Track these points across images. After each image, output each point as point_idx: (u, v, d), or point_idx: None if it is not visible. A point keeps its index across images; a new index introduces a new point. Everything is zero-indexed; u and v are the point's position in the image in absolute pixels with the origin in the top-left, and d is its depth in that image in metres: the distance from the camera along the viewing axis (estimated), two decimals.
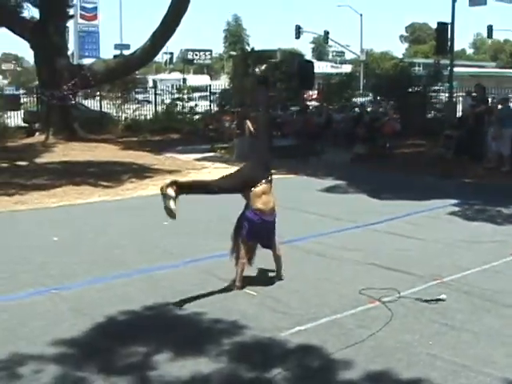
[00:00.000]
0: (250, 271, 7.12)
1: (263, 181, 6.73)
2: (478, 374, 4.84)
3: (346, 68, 63.45)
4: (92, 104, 28.83)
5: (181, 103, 27.46)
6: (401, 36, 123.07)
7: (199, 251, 8.29)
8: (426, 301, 6.39)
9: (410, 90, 23.86)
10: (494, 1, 26.15)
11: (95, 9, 50.50)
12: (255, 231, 6.68)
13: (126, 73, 25.78)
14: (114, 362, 5.07)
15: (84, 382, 4.73)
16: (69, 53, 28.07)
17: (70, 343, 5.42)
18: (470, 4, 26.24)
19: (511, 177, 14.48)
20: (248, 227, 6.67)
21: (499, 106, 16.62)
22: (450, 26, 24.09)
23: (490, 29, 51.32)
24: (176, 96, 28.21)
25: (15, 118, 25.90)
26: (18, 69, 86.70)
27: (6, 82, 73.67)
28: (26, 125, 25.71)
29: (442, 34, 24.45)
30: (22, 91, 34.19)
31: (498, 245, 8.66)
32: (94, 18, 49.95)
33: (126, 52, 36.74)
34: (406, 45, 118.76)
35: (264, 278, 7.15)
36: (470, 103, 18.58)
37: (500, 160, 15.70)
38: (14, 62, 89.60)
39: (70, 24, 35.29)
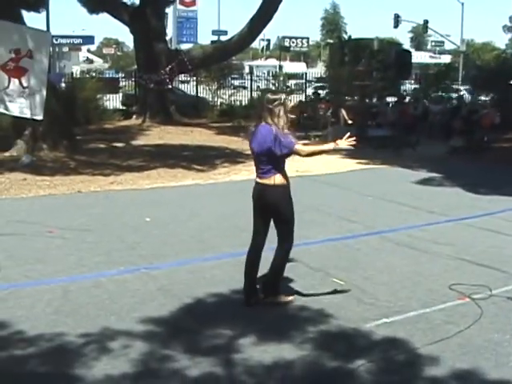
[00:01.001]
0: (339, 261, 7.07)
1: None
2: None
3: (445, 58, 62.06)
4: (188, 89, 29.25)
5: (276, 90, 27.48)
6: (504, 26, 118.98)
7: None
8: None
9: None
10: None
11: None
12: None
13: (222, 58, 26.02)
14: (199, 342, 5.14)
15: (170, 360, 4.82)
16: (167, 38, 28.59)
17: (157, 322, 5.54)
18: None
19: None
20: None
21: None
22: None
23: None
24: (271, 83, 28.27)
25: (114, 101, 26.58)
26: (119, 53, 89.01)
27: (106, 65, 75.80)
28: (124, 107, 26.38)
29: None
30: (121, 75, 35.09)
31: None
32: (193, 3, 50.64)
33: (223, 38, 37.15)
34: (510, 35, 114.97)
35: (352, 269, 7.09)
36: None
37: None
38: (114, 46, 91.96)
39: (169, 10, 35.84)
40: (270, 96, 5.91)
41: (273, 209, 5.84)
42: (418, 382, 4.61)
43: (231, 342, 5.15)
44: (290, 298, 6.06)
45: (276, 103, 5.74)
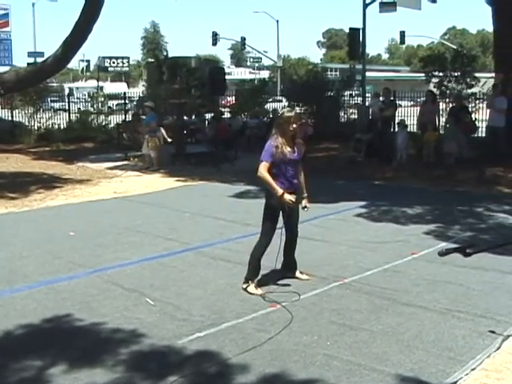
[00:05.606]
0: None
1: None
2: (371, 371, 4.96)
3: (264, 74, 63.96)
4: (4, 113, 28.11)
5: (95, 111, 27.08)
6: (318, 42, 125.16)
7: (103, 261, 8.19)
8: None
9: (324, 94, 24.17)
10: (403, 7, 26.65)
11: (7, 15, 49.07)
12: None
13: (37, 81, 25.08)
14: (5, 378, 4.93)
15: None
16: None
17: None
18: (380, 10, 26.78)
19: (417, 178, 14.87)
20: None
21: None
22: (361, 32, 24.52)
23: (402, 34, 52.65)
24: (90, 104, 27.79)
25: None
26: None
27: None
28: None
29: (354, 39, 24.82)
30: None
31: (400, 245, 8.89)
32: (6, 24, 48.59)
33: (40, 60, 36.05)
34: (324, 50, 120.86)
35: (166, 287, 7.12)
36: (379, 106, 18.97)
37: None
38: None
39: None
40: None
41: None
42: None
43: (40, 373, 4.99)
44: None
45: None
